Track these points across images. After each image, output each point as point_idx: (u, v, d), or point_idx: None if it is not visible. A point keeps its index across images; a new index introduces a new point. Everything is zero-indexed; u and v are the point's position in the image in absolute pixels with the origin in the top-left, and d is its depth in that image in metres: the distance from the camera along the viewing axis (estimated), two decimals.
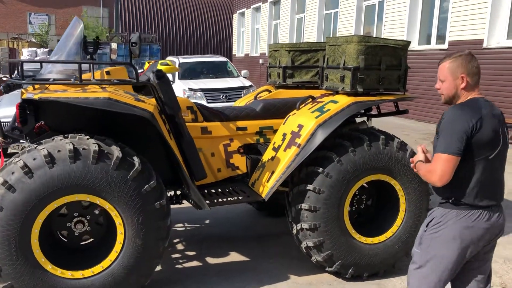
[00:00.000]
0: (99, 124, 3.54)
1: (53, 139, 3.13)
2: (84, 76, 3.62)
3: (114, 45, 5.50)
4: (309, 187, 3.59)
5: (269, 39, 21.53)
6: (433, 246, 2.34)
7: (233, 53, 27.02)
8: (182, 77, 11.53)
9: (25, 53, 25.15)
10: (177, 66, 11.93)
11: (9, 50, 30.54)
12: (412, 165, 2.46)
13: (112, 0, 36.85)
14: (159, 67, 3.85)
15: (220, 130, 4.12)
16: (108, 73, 3.79)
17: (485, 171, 2.25)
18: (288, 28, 19.61)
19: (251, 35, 24.20)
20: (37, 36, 40.33)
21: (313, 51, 4.81)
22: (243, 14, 25.72)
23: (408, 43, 3.89)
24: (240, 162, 4.20)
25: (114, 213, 3.11)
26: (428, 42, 11.90)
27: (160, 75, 3.31)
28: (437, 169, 2.20)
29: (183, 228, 4.91)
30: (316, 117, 3.66)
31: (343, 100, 3.72)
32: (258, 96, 4.89)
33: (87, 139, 3.12)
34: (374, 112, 4.54)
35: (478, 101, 2.28)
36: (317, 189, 3.57)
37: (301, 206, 3.63)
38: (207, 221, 5.11)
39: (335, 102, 3.75)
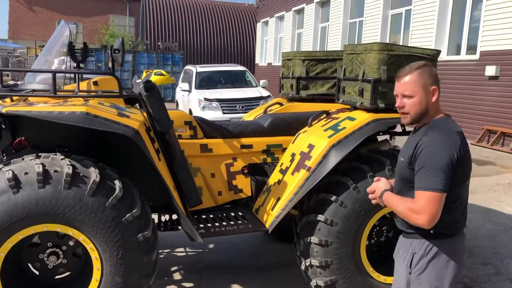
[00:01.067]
0: (86, 142, 3.14)
1: (22, 159, 2.73)
2: (68, 87, 3.24)
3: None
4: (320, 217, 3.10)
5: (292, 48, 21.10)
6: (427, 285, 2.07)
7: (256, 62, 26.67)
8: (199, 86, 11.15)
9: (55, 62, 25.59)
10: (194, 75, 11.60)
11: (36, 57, 30.95)
12: (372, 196, 2.23)
13: (139, 9, 37.11)
14: (152, 77, 3.44)
15: (222, 148, 3.67)
16: (96, 83, 3.39)
17: (465, 193, 2.10)
18: (312, 37, 19.14)
19: (274, 44, 23.82)
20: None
21: (330, 61, 4.34)
22: (266, 23, 25.39)
23: (438, 52, 3.37)
24: (244, 184, 3.74)
25: (89, 246, 2.68)
26: (458, 53, 11.24)
27: (149, 86, 2.88)
28: (424, 210, 1.93)
29: (183, 254, 4.46)
30: (329, 136, 3.17)
31: (362, 117, 3.22)
32: (268, 109, 4.43)
33: (62, 159, 2.70)
34: (398, 129, 4.01)
35: (448, 122, 2.05)
36: (329, 221, 3.07)
37: (310, 239, 3.13)
38: (210, 245, 4.64)
39: (352, 119, 3.26)
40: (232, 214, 3.61)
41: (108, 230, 2.65)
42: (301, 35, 20.78)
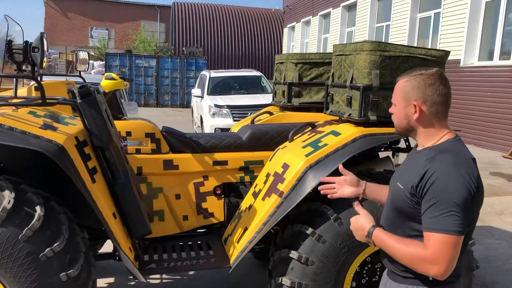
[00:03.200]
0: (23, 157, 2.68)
1: None
2: (5, 93, 2.79)
3: (82, 54, 4.57)
4: (293, 254, 2.53)
5: None
6: None
7: None
8: (211, 92, 10.68)
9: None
10: (207, 80, 11.14)
11: (67, 62, 31.43)
12: (361, 234, 1.75)
13: (169, 15, 37.23)
14: (102, 82, 2.96)
15: (191, 165, 3.14)
16: (38, 88, 2.92)
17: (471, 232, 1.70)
18: (338, 42, 18.49)
19: (300, 49, 23.28)
20: (96, 49, 41.46)
21: (326, 64, 3.77)
22: (293, 28, 24.92)
23: (446, 53, 2.76)
24: (216, 207, 3.20)
25: None
26: (490, 58, 10.40)
27: (84, 92, 2.39)
28: (440, 258, 1.52)
29: (158, 281, 3.95)
30: (307, 155, 2.61)
31: (348, 132, 2.65)
32: (255, 119, 3.88)
33: None
34: (402, 145, 3.39)
35: (461, 146, 1.67)
36: (304, 258, 2.50)
37: (282, 280, 2.57)
38: (190, 272, 4.11)
39: (336, 134, 2.69)
40: (198, 242, 3.08)
41: (20, 268, 2.16)
42: (327, 40, 20.19)
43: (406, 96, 1.68)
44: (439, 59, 2.71)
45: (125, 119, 3.16)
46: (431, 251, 1.53)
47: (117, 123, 3.03)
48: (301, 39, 23.34)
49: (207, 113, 9.61)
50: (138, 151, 3.04)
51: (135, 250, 2.69)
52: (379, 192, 2.03)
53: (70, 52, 34.73)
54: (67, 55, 33.89)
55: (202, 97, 10.55)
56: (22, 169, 2.63)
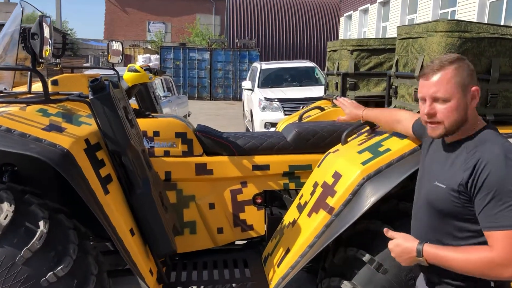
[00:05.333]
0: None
1: None
2: (19, 88, 2.48)
3: (115, 45, 4.22)
4: (346, 285, 2.05)
5: None
6: None
7: None
8: (262, 85, 10.22)
9: (140, 59, 26.46)
10: (258, 72, 10.71)
11: (125, 56, 32.15)
12: (408, 257, 1.57)
13: (224, 8, 37.20)
14: (124, 75, 2.59)
15: (227, 169, 2.72)
16: (55, 83, 2.60)
17: None
18: None
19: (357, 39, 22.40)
20: (153, 43, 42.22)
21: (388, 51, 3.22)
22: (350, 17, 24.04)
23: None
24: (256, 218, 2.77)
25: None
26: None
27: (97, 87, 2.01)
28: None
29: None
30: (364, 163, 2.11)
31: None
32: (304, 115, 3.40)
33: None
34: None
35: (499, 134, 1.56)
36: None
37: None
38: None
39: (401, 136, 2.16)
40: (234, 260, 2.66)
41: None
42: (386, 28, 19.23)
43: (463, 84, 1.51)
44: None
45: (153, 117, 2.78)
46: (501, 251, 1.40)
47: (144, 121, 2.66)
48: (359, 28, 22.45)
49: (257, 106, 9.18)
50: (166, 154, 2.66)
51: (157, 271, 2.30)
52: (378, 116, 2.26)
53: (129, 46, 35.59)
54: (125, 49, 34.71)
55: (252, 90, 10.14)
56: (36, 173, 2.32)
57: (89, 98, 2.04)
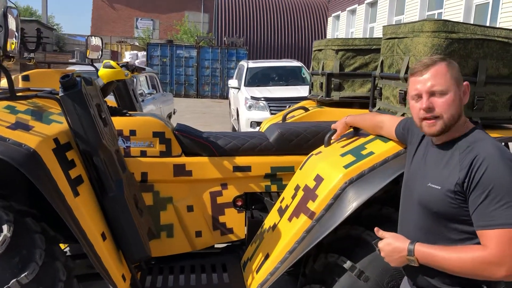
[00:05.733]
0: None
1: None
2: None
3: (95, 40, 4.05)
4: None
5: None
6: None
7: None
8: (249, 83, 10.12)
9: (127, 56, 26.17)
10: (244, 71, 10.61)
11: (112, 53, 31.82)
12: (399, 256, 1.52)
13: (213, 5, 37.01)
14: (100, 71, 2.48)
15: (207, 170, 2.63)
16: (26, 78, 2.48)
17: None
18: None
19: None
20: (140, 40, 41.85)
21: (374, 51, 3.16)
22: (338, 17, 24.05)
23: None
24: (236, 221, 2.69)
25: None
26: None
27: (68, 84, 1.91)
28: (507, 255, 1.35)
29: None
30: (347, 166, 2.03)
31: None
32: (288, 116, 3.32)
33: None
34: None
35: (487, 134, 1.56)
36: None
37: None
38: None
39: (385, 140, 2.10)
40: (212, 264, 2.58)
41: None
42: (373, 29, 19.28)
43: (457, 78, 1.51)
44: None
45: (130, 115, 2.67)
46: (494, 250, 1.37)
47: (120, 120, 2.56)
48: (346, 28, 22.47)
49: (243, 105, 9.09)
50: (143, 154, 2.56)
51: (131, 277, 2.21)
52: (360, 121, 2.25)
53: (116, 43, 35.22)
54: (112, 46, 34.36)
55: (239, 88, 10.05)
56: (1, 173, 2.20)
57: (59, 95, 1.94)
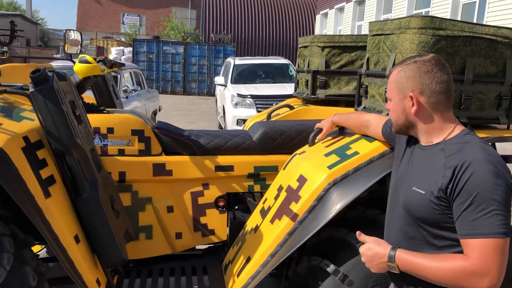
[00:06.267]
0: None
1: None
2: None
3: (74, 34, 3.93)
4: None
5: None
6: None
7: None
8: (235, 81, 10.03)
9: (113, 52, 25.86)
10: (231, 68, 10.51)
11: (97, 48, 31.45)
12: (379, 262, 1.46)
13: (201, 2, 36.77)
14: (75, 66, 2.38)
15: (188, 170, 2.55)
16: None
17: None
18: None
19: None
20: (126, 35, 41.45)
21: (360, 49, 3.10)
22: (326, 15, 24.06)
23: None
24: (218, 222, 2.61)
25: None
26: None
27: (39, 79, 1.82)
28: (489, 266, 1.29)
29: None
30: (331, 167, 1.97)
31: None
32: (273, 114, 3.25)
33: None
34: None
35: (478, 138, 1.46)
36: None
37: None
38: None
39: (371, 139, 2.03)
40: (193, 267, 2.50)
41: None
42: (361, 27, 19.30)
43: (401, 87, 1.49)
44: None
45: (108, 112, 2.58)
46: (476, 260, 1.31)
47: (98, 117, 2.46)
48: (334, 26, 22.47)
49: (230, 102, 9.00)
50: (121, 152, 2.47)
51: (106, 282, 2.12)
52: (346, 121, 2.20)
53: (102, 38, 34.82)
54: (98, 41, 34.01)
55: (225, 85, 9.95)
56: None
57: (30, 90, 1.84)
